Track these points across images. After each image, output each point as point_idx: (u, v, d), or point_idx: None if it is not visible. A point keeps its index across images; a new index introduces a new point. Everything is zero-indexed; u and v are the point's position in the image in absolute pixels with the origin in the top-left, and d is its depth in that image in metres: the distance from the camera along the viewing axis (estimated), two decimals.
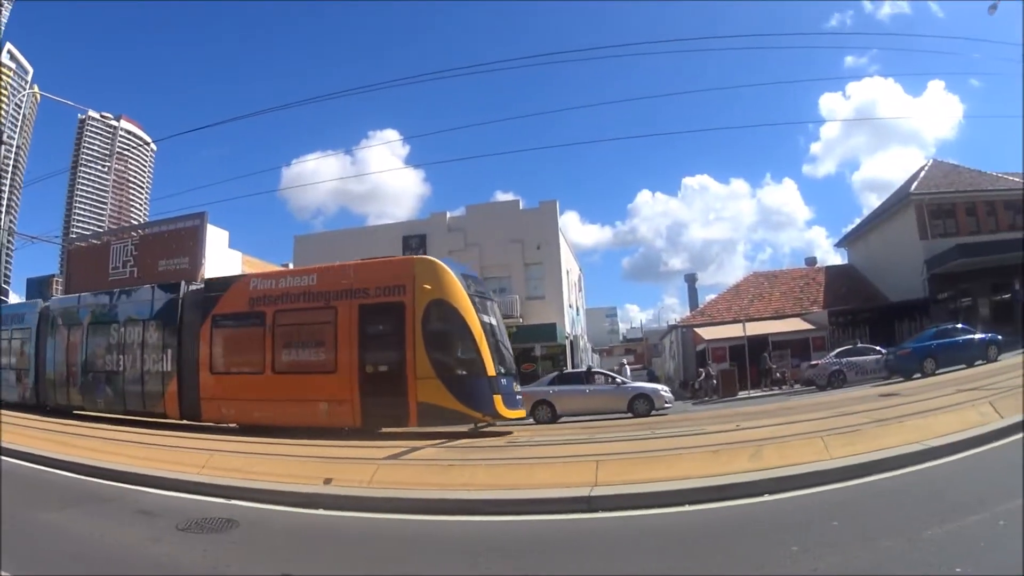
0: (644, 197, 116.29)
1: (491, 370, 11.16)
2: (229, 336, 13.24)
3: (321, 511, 6.22)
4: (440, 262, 11.97)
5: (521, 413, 12.57)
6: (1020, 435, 6.98)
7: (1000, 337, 20.50)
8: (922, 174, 30.40)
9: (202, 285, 14.60)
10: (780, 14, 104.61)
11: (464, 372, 11.16)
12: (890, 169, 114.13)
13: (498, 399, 11.16)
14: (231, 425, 12.88)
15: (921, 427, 7.22)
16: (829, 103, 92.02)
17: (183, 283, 14.80)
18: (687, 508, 5.49)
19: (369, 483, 6.87)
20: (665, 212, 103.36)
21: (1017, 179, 29.49)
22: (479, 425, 11.55)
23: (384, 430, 11.64)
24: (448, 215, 31.00)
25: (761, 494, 5.60)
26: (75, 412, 15.37)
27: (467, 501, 6.04)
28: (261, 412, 12.31)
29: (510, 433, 11.69)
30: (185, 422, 13.35)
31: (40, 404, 16.32)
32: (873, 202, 45.74)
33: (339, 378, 11.67)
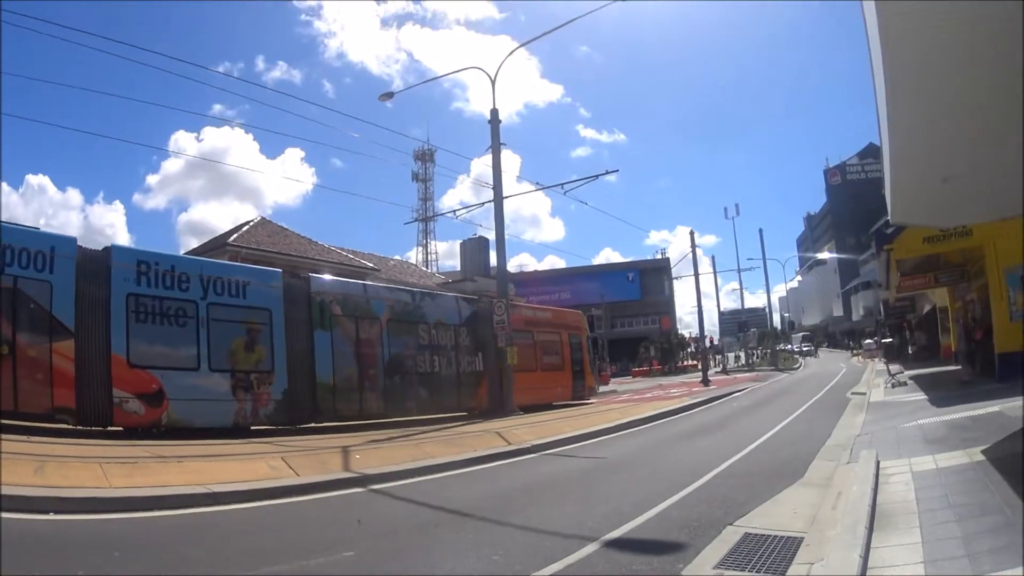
0: None
1: None
2: (518, 344, 19.09)
3: None
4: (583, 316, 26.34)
5: None
6: (324, 493, 7.66)
7: None
8: (245, 228, 31.38)
9: (488, 303, 18.93)
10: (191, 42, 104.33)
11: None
12: (220, 218, 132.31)
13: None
14: None
15: (202, 470, 7.82)
16: (182, 140, 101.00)
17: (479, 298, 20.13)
18: None
19: None
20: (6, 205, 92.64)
21: (345, 253, 32.90)
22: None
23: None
24: None
25: (47, 512, 5.85)
26: (358, 421, 14.17)
27: None
28: (535, 395, 20.11)
29: None
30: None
31: (296, 419, 13.09)
32: (192, 243, 52.50)
33: (565, 373, 23.18)
